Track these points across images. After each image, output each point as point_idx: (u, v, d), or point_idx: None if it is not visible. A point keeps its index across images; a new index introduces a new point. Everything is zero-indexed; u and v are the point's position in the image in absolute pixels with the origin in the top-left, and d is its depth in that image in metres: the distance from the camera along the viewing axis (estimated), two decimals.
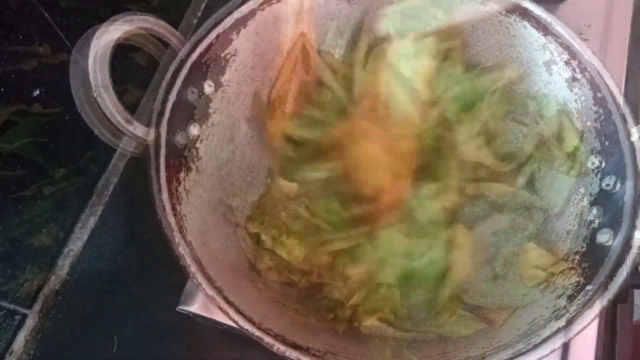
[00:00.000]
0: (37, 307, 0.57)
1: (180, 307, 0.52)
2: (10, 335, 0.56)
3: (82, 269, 0.60)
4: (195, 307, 0.52)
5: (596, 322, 0.51)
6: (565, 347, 0.51)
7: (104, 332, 0.56)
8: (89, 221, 0.62)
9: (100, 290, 0.59)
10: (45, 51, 0.50)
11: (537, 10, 0.52)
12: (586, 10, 0.67)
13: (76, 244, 0.61)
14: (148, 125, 0.46)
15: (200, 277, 0.42)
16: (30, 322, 0.57)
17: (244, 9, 0.52)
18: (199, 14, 0.73)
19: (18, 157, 0.51)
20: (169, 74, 0.48)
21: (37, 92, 0.51)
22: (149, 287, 0.58)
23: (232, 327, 0.47)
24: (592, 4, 0.68)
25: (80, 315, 0.58)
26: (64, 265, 0.60)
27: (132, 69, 0.64)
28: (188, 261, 0.42)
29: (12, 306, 0.55)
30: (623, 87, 0.64)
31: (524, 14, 0.53)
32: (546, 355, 0.41)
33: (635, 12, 0.68)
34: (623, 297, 0.57)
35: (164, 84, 0.47)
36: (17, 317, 0.56)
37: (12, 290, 0.55)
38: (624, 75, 0.65)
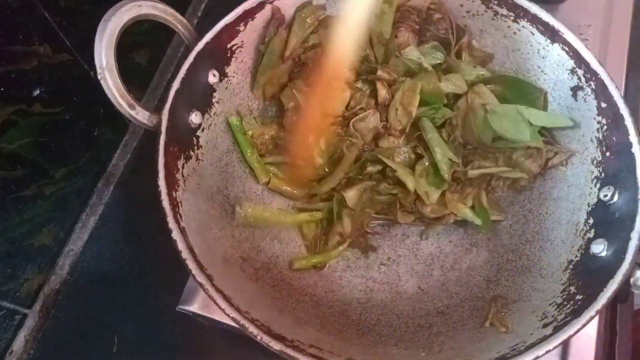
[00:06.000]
0: (37, 306, 0.57)
1: (180, 306, 0.52)
2: (10, 335, 0.56)
3: (82, 269, 0.60)
4: (195, 306, 0.52)
5: (596, 322, 0.52)
6: (565, 347, 0.51)
7: (104, 332, 0.56)
8: (89, 221, 0.62)
9: (100, 290, 0.59)
10: (45, 51, 0.50)
11: (544, 15, 0.52)
12: (586, 10, 0.67)
13: (76, 243, 0.61)
14: (151, 111, 0.46)
15: (191, 264, 0.42)
16: (30, 322, 0.57)
17: (253, 1, 0.52)
18: (199, 13, 0.73)
19: (18, 157, 0.51)
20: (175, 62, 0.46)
21: (37, 92, 0.51)
22: (149, 287, 0.58)
23: (232, 327, 0.47)
24: (592, 4, 0.68)
25: (80, 315, 0.58)
26: (64, 265, 0.60)
27: (132, 69, 0.64)
28: (180, 247, 0.42)
29: (12, 306, 0.55)
30: (623, 87, 0.64)
31: (532, 19, 0.52)
32: None
33: (635, 12, 0.68)
34: (623, 297, 0.57)
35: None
36: (17, 317, 0.56)
37: (12, 290, 0.55)
38: (624, 76, 0.65)
